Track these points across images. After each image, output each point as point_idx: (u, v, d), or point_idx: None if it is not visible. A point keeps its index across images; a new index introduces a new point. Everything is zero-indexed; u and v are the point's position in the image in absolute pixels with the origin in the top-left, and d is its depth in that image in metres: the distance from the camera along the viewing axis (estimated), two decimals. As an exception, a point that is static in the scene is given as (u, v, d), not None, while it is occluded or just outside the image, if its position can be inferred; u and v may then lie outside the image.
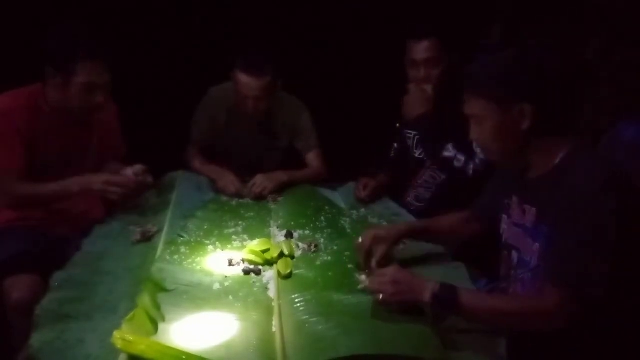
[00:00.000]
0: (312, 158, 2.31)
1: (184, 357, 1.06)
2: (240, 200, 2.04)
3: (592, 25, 2.54)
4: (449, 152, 1.92)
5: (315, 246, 1.63)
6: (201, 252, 1.57)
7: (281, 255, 1.55)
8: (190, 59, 2.91)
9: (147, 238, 1.65)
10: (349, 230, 1.81)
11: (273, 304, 1.32)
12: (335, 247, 1.65)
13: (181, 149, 2.32)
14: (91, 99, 1.73)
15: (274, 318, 1.26)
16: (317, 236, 1.73)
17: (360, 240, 1.48)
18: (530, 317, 1.17)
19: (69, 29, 1.72)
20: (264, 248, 1.56)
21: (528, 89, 1.19)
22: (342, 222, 1.88)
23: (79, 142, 1.88)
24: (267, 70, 2.06)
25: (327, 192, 2.18)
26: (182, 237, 1.65)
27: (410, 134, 2.15)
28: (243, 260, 1.51)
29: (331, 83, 3.04)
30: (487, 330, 1.22)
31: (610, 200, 1.10)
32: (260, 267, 1.49)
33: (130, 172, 1.76)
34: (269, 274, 1.48)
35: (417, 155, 2.14)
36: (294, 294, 1.35)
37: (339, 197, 2.17)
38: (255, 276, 1.45)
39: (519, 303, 1.24)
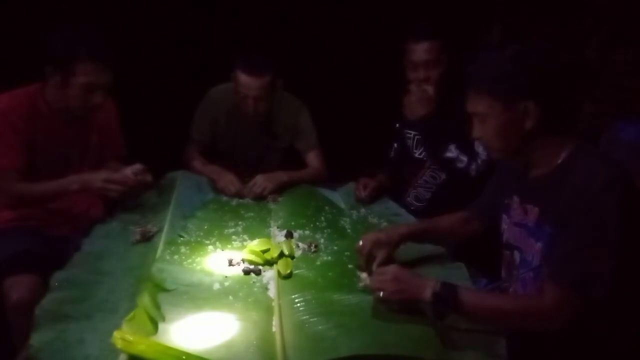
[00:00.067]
0: (312, 158, 2.31)
1: (184, 357, 1.06)
2: (240, 200, 2.04)
3: (592, 25, 2.54)
4: (452, 153, 1.92)
5: (315, 246, 1.63)
6: (201, 252, 1.57)
7: (281, 255, 1.55)
8: (190, 59, 2.91)
9: (147, 238, 1.65)
10: (349, 230, 1.81)
11: (273, 304, 1.33)
12: (335, 247, 1.65)
13: (181, 149, 2.32)
14: (90, 99, 1.73)
15: (274, 318, 1.26)
16: (317, 236, 1.73)
17: (360, 243, 1.48)
18: (530, 316, 1.17)
19: (70, 30, 1.71)
20: (264, 248, 1.56)
21: (533, 87, 1.19)
22: (342, 222, 1.88)
23: (78, 141, 1.88)
24: (267, 70, 2.06)
25: (327, 192, 2.18)
26: (182, 237, 1.65)
27: (410, 134, 2.15)
28: (243, 260, 1.51)
29: (331, 83, 3.05)
30: (487, 330, 1.22)
31: (613, 200, 1.10)
32: (260, 267, 1.49)
33: (129, 171, 1.76)
34: (269, 274, 1.48)
35: (417, 155, 2.14)
36: (294, 294, 1.35)
37: (339, 197, 2.17)
38: (255, 276, 1.45)
39: (520, 302, 1.24)
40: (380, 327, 1.20)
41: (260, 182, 2.08)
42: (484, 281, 1.60)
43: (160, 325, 1.17)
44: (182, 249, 1.57)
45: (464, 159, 1.91)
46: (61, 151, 1.83)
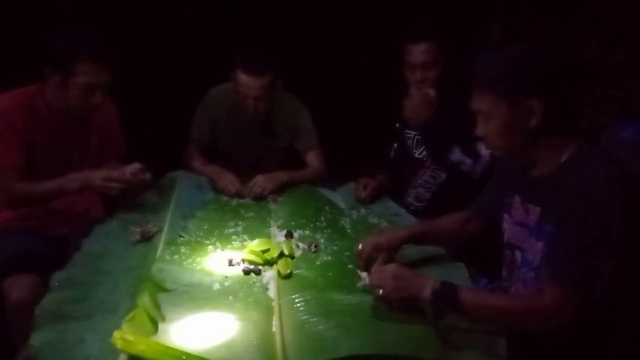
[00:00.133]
0: (312, 158, 2.31)
1: (184, 357, 1.06)
2: (240, 200, 2.04)
3: (592, 25, 2.54)
4: (456, 156, 1.92)
5: (315, 246, 1.63)
6: (201, 252, 1.57)
7: (281, 255, 1.55)
8: (190, 59, 2.91)
9: (147, 238, 1.65)
10: (349, 230, 1.81)
11: (273, 304, 1.33)
12: (335, 247, 1.65)
13: (181, 149, 2.32)
14: (90, 98, 1.72)
15: (274, 318, 1.26)
16: (317, 236, 1.73)
17: (360, 247, 1.48)
18: (530, 316, 1.17)
19: (70, 30, 1.72)
20: (264, 248, 1.56)
21: (538, 86, 1.18)
22: (342, 222, 1.88)
23: (78, 141, 1.88)
24: (267, 70, 2.06)
25: (327, 192, 2.18)
26: (182, 237, 1.65)
27: (410, 134, 2.15)
28: (243, 260, 1.51)
29: (331, 83, 3.04)
30: (488, 330, 1.22)
31: (614, 200, 1.10)
32: (260, 267, 1.49)
33: (127, 171, 1.76)
34: (269, 274, 1.48)
35: (417, 155, 2.14)
36: (294, 294, 1.35)
37: (339, 197, 2.17)
38: (255, 276, 1.45)
39: (519, 301, 1.24)
40: (380, 327, 1.20)
41: (261, 182, 2.08)
42: (484, 281, 1.60)
43: (160, 325, 1.17)
44: (182, 249, 1.57)
45: (468, 161, 1.91)
46: (61, 151, 1.83)
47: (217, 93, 2.29)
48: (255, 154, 2.36)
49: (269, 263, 1.52)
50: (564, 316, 1.13)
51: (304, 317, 1.24)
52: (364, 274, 1.41)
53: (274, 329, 1.22)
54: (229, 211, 1.93)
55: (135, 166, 1.76)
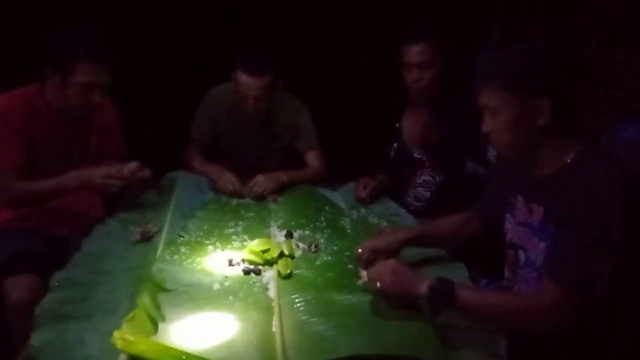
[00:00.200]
0: (312, 158, 2.31)
1: (184, 357, 1.06)
2: (240, 200, 2.04)
3: (592, 25, 2.54)
4: (469, 168, 1.92)
5: (315, 246, 1.63)
6: (201, 252, 1.57)
7: (281, 255, 1.55)
8: (191, 59, 2.91)
9: (147, 238, 1.65)
10: (349, 230, 1.81)
11: (273, 304, 1.32)
12: (335, 247, 1.65)
13: (181, 149, 2.32)
14: (90, 98, 1.72)
15: (274, 318, 1.26)
16: (317, 236, 1.73)
17: (359, 250, 1.48)
18: (528, 315, 1.17)
19: (70, 30, 1.72)
20: (264, 248, 1.56)
21: (549, 85, 1.18)
22: (342, 222, 1.88)
23: (78, 141, 1.88)
24: (267, 70, 2.06)
25: (327, 192, 2.18)
26: (182, 237, 1.65)
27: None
28: (243, 260, 1.51)
29: (331, 83, 3.05)
30: (488, 330, 1.22)
31: (614, 200, 1.10)
32: (260, 267, 1.49)
33: (126, 170, 1.76)
34: (269, 274, 1.48)
35: (416, 155, 2.15)
36: (294, 294, 1.34)
37: (339, 197, 2.17)
38: (255, 276, 1.45)
39: (518, 300, 1.24)
40: (380, 327, 1.20)
41: (261, 182, 2.08)
42: (484, 281, 1.60)
43: (160, 325, 1.17)
44: (182, 249, 1.57)
45: (481, 170, 1.91)
46: (61, 151, 1.83)
47: (217, 93, 2.29)
48: (255, 154, 2.36)
49: (269, 263, 1.52)
50: (564, 316, 1.13)
51: (304, 317, 1.24)
52: (364, 272, 1.41)
53: (274, 329, 1.22)
54: (229, 211, 1.93)
55: (133, 165, 1.76)
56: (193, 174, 2.21)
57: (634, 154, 1.89)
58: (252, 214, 1.91)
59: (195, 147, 2.30)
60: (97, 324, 1.20)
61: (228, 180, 2.08)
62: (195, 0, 2.90)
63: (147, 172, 1.79)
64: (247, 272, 1.46)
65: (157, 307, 1.23)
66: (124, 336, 1.08)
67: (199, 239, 1.65)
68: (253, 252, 1.53)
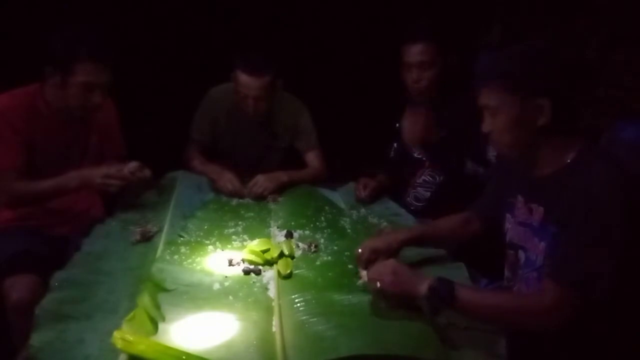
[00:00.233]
0: (312, 158, 2.31)
1: (184, 357, 1.06)
2: (240, 200, 2.04)
3: (592, 25, 2.54)
4: (469, 168, 1.92)
5: (315, 246, 1.63)
6: (201, 252, 1.57)
7: (281, 255, 1.55)
8: (191, 59, 2.91)
9: (147, 238, 1.65)
10: (349, 230, 1.81)
11: (273, 304, 1.33)
12: (335, 247, 1.65)
13: (181, 149, 2.32)
14: (89, 98, 1.72)
15: (274, 318, 1.26)
16: (317, 236, 1.73)
17: (359, 251, 1.48)
18: (528, 315, 1.16)
19: (70, 30, 1.72)
20: (264, 248, 1.56)
21: (549, 84, 1.18)
22: (342, 222, 1.88)
23: (78, 141, 1.88)
24: (267, 70, 2.06)
25: (327, 192, 2.18)
26: (182, 237, 1.65)
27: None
28: (243, 260, 1.51)
29: (331, 83, 3.05)
30: (488, 330, 1.22)
31: (615, 200, 1.10)
32: (260, 267, 1.49)
33: (125, 170, 1.76)
34: (269, 274, 1.48)
35: (416, 155, 2.15)
36: (294, 294, 1.34)
37: (339, 197, 2.17)
38: (255, 276, 1.45)
39: (517, 299, 1.24)
40: (380, 327, 1.20)
41: (261, 182, 2.08)
42: (484, 281, 1.60)
43: (160, 325, 1.17)
44: (182, 249, 1.57)
45: (481, 170, 1.91)
46: (61, 151, 1.83)
47: (217, 93, 2.29)
48: (255, 154, 2.36)
49: (269, 263, 1.52)
50: (564, 316, 1.13)
51: (304, 317, 1.24)
52: (364, 273, 1.41)
53: (274, 329, 1.22)
54: (229, 211, 1.93)
55: (132, 165, 1.76)
56: (193, 174, 2.22)
57: (634, 154, 1.90)
58: (252, 214, 1.91)
59: (195, 147, 2.30)
60: (97, 324, 1.20)
61: (228, 180, 2.08)
62: (195, 0, 2.90)
63: (147, 172, 1.79)
64: (247, 272, 1.46)
65: (157, 307, 1.23)
66: (124, 336, 1.08)
67: (199, 239, 1.65)
68: (253, 252, 1.53)
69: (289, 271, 1.46)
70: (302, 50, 2.95)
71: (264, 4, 2.96)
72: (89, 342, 1.14)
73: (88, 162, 1.89)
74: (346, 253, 1.59)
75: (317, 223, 1.83)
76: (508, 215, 1.39)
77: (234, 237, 1.70)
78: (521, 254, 1.33)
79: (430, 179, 2.12)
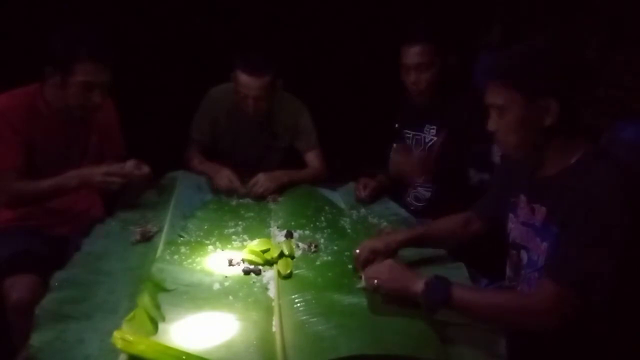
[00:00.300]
0: (312, 158, 2.31)
1: (184, 357, 1.06)
2: (240, 200, 2.04)
3: (592, 25, 2.54)
4: (474, 178, 1.92)
5: (315, 246, 1.63)
6: (201, 252, 1.57)
7: (281, 255, 1.55)
8: (191, 59, 2.91)
9: (147, 238, 1.65)
10: (349, 230, 1.81)
11: (273, 304, 1.32)
12: (335, 247, 1.65)
13: (181, 149, 2.32)
14: (89, 98, 1.73)
15: (274, 318, 1.26)
16: (317, 236, 1.73)
17: (357, 251, 1.48)
18: (526, 314, 1.16)
19: (70, 29, 1.72)
20: (264, 248, 1.56)
21: (558, 85, 1.18)
22: (342, 222, 1.88)
23: (78, 141, 1.88)
24: (267, 70, 2.06)
25: (327, 192, 2.18)
26: (182, 237, 1.65)
27: (410, 133, 2.15)
28: (243, 260, 1.51)
29: (331, 83, 3.05)
30: (488, 330, 1.22)
31: (615, 201, 1.10)
32: (260, 267, 1.49)
33: (126, 166, 1.76)
34: (269, 274, 1.48)
35: (416, 155, 2.14)
36: (294, 294, 1.34)
37: (339, 197, 2.17)
38: (255, 276, 1.45)
39: (517, 299, 1.24)
40: (380, 327, 1.20)
41: (262, 181, 2.08)
42: (484, 281, 1.60)
43: (160, 325, 1.17)
44: (182, 249, 1.57)
45: (486, 176, 1.91)
46: (61, 151, 1.83)
47: (217, 93, 2.29)
48: (255, 154, 2.36)
49: (269, 263, 1.52)
50: (564, 316, 1.12)
51: (304, 317, 1.24)
52: (364, 276, 1.41)
53: (274, 329, 1.22)
54: (229, 211, 1.93)
55: (131, 163, 1.76)
56: (193, 174, 2.21)
57: (634, 154, 1.90)
58: (252, 214, 1.91)
59: (195, 147, 2.30)
60: (97, 324, 1.20)
61: (225, 176, 2.08)
62: (195, 0, 2.91)
63: (145, 169, 1.79)
64: (247, 272, 1.46)
65: (157, 307, 1.23)
66: (124, 336, 1.08)
67: (199, 239, 1.65)
68: (253, 252, 1.53)
69: (289, 271, 1.46)
70: (302, 50, 2.96)
71: (264, 4, 2.97)
72: (89, 342, 1.14)
73: (88, 162, 1.89)
74: (346, 253, 1.59)
75: (317, 223, 1.83)
76: (511, 215, 1.39)
77: (234, 237, 1.70)
78: (523, 254, 1.33)
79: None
